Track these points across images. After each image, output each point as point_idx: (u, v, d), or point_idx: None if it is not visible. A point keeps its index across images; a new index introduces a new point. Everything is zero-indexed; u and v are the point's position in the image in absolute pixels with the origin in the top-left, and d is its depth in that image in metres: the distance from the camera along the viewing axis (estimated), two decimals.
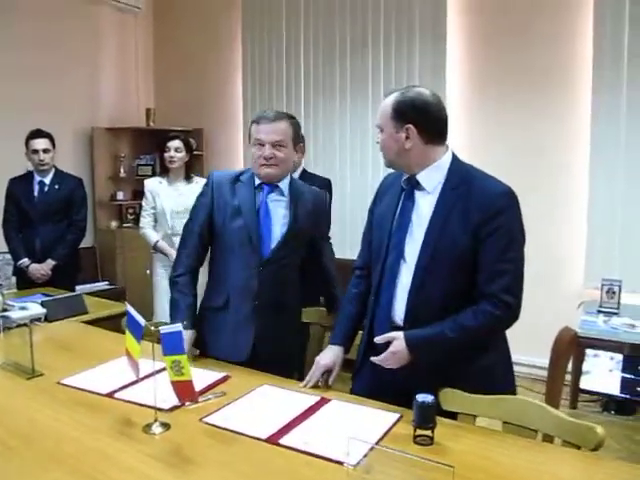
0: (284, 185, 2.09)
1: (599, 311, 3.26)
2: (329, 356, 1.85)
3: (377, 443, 1.36)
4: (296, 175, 3.30)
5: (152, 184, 3.66)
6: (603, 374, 3.38)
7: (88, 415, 1.60)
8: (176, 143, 3.55)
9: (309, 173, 3.46)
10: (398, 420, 1.54)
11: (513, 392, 1.71)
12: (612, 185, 3.72)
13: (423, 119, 1.67)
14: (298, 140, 2.09)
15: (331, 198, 3.44)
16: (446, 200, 1.67)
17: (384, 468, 1.12)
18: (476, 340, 1.66)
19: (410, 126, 1.67)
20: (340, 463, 1.29)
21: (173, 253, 3.27)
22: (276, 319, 2.07)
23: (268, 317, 2.06)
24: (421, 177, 1.72)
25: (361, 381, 1.86)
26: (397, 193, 1.80)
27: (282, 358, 2.04)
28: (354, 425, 1.50)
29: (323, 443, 1.40)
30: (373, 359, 1.69)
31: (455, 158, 1.74)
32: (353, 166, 4.79)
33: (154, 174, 3.70)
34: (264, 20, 5.18)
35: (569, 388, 3.50)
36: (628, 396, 3.32)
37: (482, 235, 1.60)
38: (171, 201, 3.57)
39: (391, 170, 1.89)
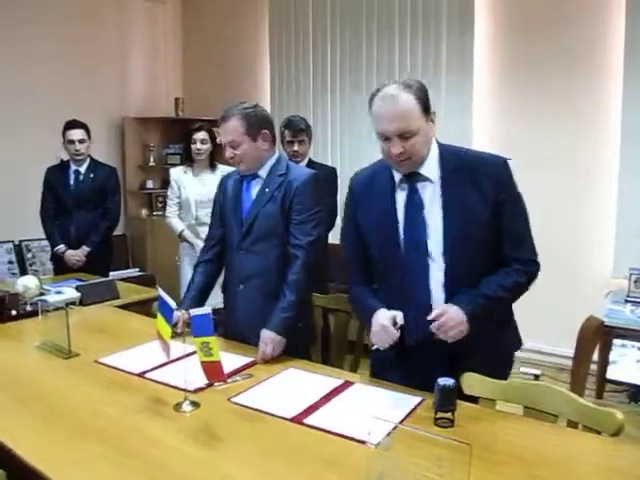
0: (262, 171, 2.14)
1: (626, 300, 3.23)
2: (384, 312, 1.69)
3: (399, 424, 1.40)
4: (303, 164, 3.34)
5: (177, 174, 3.68)
6: (630, 364, 3.34)
7: (121, 393, 1.68)
8: (202, 135, 3.56)
9: (315, 162, 3.52)
10: (420, 403, 1.58)
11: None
12: None
13: (430, 104, 1.67)
14: (254, 130, 2.05)
15: (337, 186, 3.49)
16: (452, 183, 1.66)
17: (404, 447, 1.15)
18: (514, 298, 1.72)
19: (435, 112, 1.68)
20: (362, 442, 1.34)
21: (198, 242, 3.41)
22: (262, 307, 2.05)
23: (253, 303, 2.11)
24: (423, 169, 1.68)
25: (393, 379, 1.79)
26: (387, 192, 1.73)
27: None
28: (377, 407, 1.55)
29: (346, 423, 1.45)
30: (433, 325, 1.56)
31: (439, 142, 1.73)
32: (379, 158, 4.78)
33: (183, 163, 3.72)
34: (291, 10, 5.19)
35: (595, 378, 3.49)
36: None
37: (499, 204, 1.65)
38: (195, 191, 3.59)
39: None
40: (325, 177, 3.32)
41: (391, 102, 1.60)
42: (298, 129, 3.36)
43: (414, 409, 1.55)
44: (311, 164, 3.44)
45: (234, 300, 2.19)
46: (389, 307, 1.68)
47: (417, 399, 1.60)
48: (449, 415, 1.44)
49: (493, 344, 1.70)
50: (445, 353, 1.65)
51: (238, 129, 2.05)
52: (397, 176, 1.73)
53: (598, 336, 3.00)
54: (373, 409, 1.51)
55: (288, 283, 2.03)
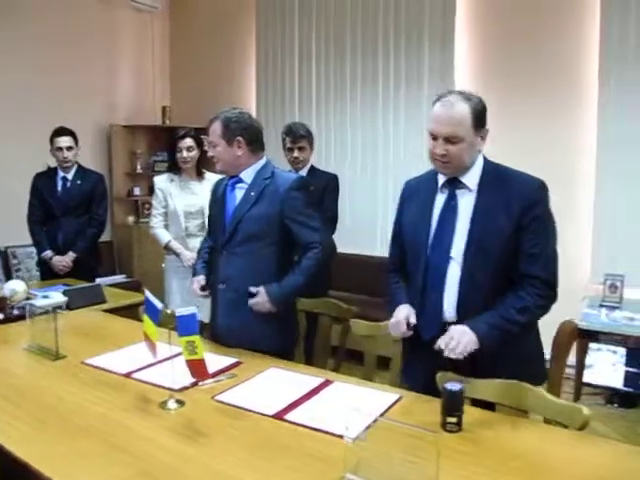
0: (246, 176, 2.21)
1: (601, 305, 3.33)
2: (404, 309, 1.84)
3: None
4: (304, 171, 3.40)
5: (163, 182, 3.47)
6: (606, 368, 3.45)
7: (109, 392, 1.73)
8: (188, 142, 3.39)
9: (317, 169, 3.52)
10: (397, 400, 1.65)
11: (545, 375, 1.91)
12: (618, 182, 3.77)
13: (486, 119, 1.80)
14: (229, 135, 2.15)
15: (337, 194, 3.48)
16: (486, 195, 1.78)
17: (379, 440, 1.22)
18: (530, 320, 1.75)
19: (487, 128, 1.80)
20: (340, 436, 1.40)
21: (186, 253, 3.32)
22: (243, 308, 2.13)
23: (231, 303, 2.18)
24: (465, 178, 1.81)
25: (410, 379, 1.91)
26: (429, 195, 1.88)
27: (250, 347, 2.11)
28: (355, 403, 1.60)
29: (325, 419, 1.52)
30: (436, 346, 1.66)
31: (484, 157, 1.86)
32: (363, 165, 4.88)
33: (169, 170, 3.57)
34: (277, 21, 5.29)
35: (573, 381, 3.58)
36: (631, 389, 3.38)
37: (523, 224, 1.73)
38: (184, 202, 3.41)
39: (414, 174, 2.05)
40: (326, 184, 3.38)
41: (448, 107, 1.75)
42: (298, 135, 3.35)
43: (391, 405, 1.61)
44: (313, 171, 3.45)
45: (216, 300, 2.25)
46: (412, 304, 1.84)
47: (395, 396, 1.67)
48: (455, 420, 1.47)
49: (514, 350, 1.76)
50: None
51: (217, 131, 2.17)
52: (440, 182, 1.86)
53: (573, 339, 3.09)
54: (351, 405, 1.56)
55: (300, 266, 2.15)
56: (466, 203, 1.81)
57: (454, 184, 1.83)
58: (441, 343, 1.65)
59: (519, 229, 1.73)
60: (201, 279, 2.29)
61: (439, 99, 1.79)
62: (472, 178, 1.82)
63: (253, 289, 2.12)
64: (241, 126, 2.16)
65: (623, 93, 3.70)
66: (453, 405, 1.48)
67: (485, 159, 1.86)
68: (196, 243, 3.14)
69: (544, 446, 1.42)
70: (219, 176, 3.26)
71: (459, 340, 1.64)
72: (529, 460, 1.34)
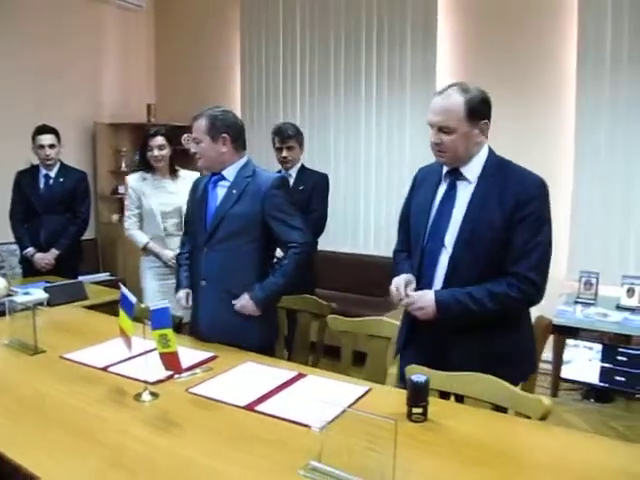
0: (228, 173, 2.25)
1: (576, 302, 3.40)
2: (404, 275, 1.93)
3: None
4: (294, 171, 3.43)
5: (136, 181, 3.36)
6: (583, 363, 3.52)
7: (85, 386, 1.76)
8: (159, 140, 3.28)
9: (307, 169, 3.55)
10: (366, 393, 1.70)
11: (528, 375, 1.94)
12: (595, 182, 3.86)
13: (489, 113, 1.86)
14: (215, 132, 2.19)
15: (327, 193, 3.49)
16: (483, 187, 1.82)
17: (344, 429, 1.26)
18: (500, 310, 1.78)
19: (487, 121, 1.84)
20: (308, 426, 1.44)
21: (166, 252, 3.27)
22: (224, 304, 2.19)
23: (212, 300, 2.22)
24: (465, 169, 1.86)
25: (406, 361, 1.92)
26: (433, 184, 1.94)
27: (231, 343, 2.15)
28: (325, 395, 1.65)
29: (295, 410, 1.56)
30: (404, 302, 1.84)
31: (491, 150, 1.90)
32: (347, 161, 4.93)
33: (141, 169, 3.41)
34: (261, 19, 5.33)
35: (550, 377, 3.65)
36: (607, 385, 3.45)
37: (515, 219, 1.76)
38: (159, 201, 3.31)
39: (421, 163, 2.09)
40: (315, 183, 3.41)
41: (443, 98, 1.81)
42: (286, 135, 3.38)
43: (360, 397, 1.66)
44: (303, 170, 3.48)
45: (196, 296, 2.29)
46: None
47: (364, 389, 1.72)
48: (421, 410, 1.52)
49: (492, 343, 1.82)
50: (444, 332, 1.83)
51: (202, 128, 2.19)
52: (444, 171, 1.91)
53: (547, 335, 3.15)
54: (319, 396, 1.61)
55: (280, 268, 2.19)
56: (464, 194, 1.86)
57: (455, 175, 1.89)
58: (406, 300, 1.83)
59: (511, 224, 1.76)
60: (188, 292, 2.33)
61: (440, 91, 1.84)
62: (473, 170, 1.86)
63: (237, 303, 2.16)
64: (226, 123, 2.21)
65: (599, 94, 3.78)
66: (418, 396, 1.52)
67: (490, 152, 1.89)
68: (176, 242, 3.16)
69: (505, 435, 1.47)
70: (194, 174, 3.29)
71: (418, 300, 1.81)
72: (488, 448, 1.39)
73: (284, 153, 3.40)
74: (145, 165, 3.36)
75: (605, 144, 3.80)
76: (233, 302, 2.17)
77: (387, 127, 4.68)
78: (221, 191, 2.26)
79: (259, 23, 5.36)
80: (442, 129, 1.81)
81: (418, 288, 1.88)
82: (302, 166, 3.51)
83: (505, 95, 4.12)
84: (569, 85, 3.92)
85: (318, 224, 3.41)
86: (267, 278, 2.20)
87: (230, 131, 2.21)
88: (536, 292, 1.79)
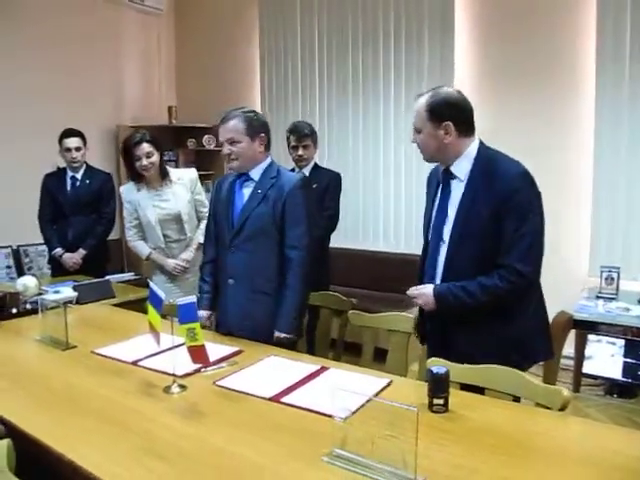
0: (254, 174, 2.30)
1: (598, 297, 3.39)
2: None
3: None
4: (308, 169, 3.48)
5: (129, 193, 3.22)
6: (605, 359, 3.51)
7: (116, 379, 1.83)
8: (145, 148, 3.05)
9: (320, 167, 3.60)
10: (388, 385, 1.73)
11: (537, 355, 2.06)
12: (614, 178, 3.83)
13: (457, 115, 1.93)
14: (253, 131, 2.24)
15: (340, 191, 3.55)
16: (472, 184, 1.92)
17: (366, 418, 1.30)
18: (493, 300, 1.88)
19: (449, 123, 1.91)
20: (331, 416, 1.48)
21: (169, 262, 3.18)
22: (252, 303, 2.26)
23: (241, 298, 2.27)
24: (454, 168, 1.97)
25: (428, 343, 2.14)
26: (436, 184, 2.07)
27: (256, 338, 2.21)
28: (346, 387, 1.69)
29: (318, 401, 1.60)
30: (408, 292, 2.02)
31: (482, 145, 1.98)
32: (365, 159, 4.97)
33: (133, 179, 3.24)
34: (279, 20, 5.39)
35: (572, 372, 3.65)
36: (630, 380, 3.44)
37: (502, 212, 1.85)
38: (157, 211, 3.16)
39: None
40: (328, 182, 3.47)
41: (417, 101, 1.99)
42: (303, 134, 3.43)
43: (382, 389, 1.70)
44: (316, 168, 3.53)
45: (223, 295, 2.34)
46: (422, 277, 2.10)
47: (385, 381, 1.75)
48: (442, 401, 1.55)
49: (493, 330, 1.92)
50: (447, 322, 1.99)
51: (239, 128, 2.22)
52: (441, 171, 2.05)
53: (568, 330, 3.16)
54: (342, 387, 1.65)
55: (287, 285, 2.23)
56: (457, 192, 1.96)
57: (449, 174, 2.00)
58: (409, 292, 2.01)
59: (498, 217, 1.85)
60: (210, 314, 2.39)
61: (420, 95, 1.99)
62: (462, 168, 1.96)
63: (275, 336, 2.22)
64: (261, 123, 2.28)
65: (620, 87, 3.75)
66: (439, 387, 1.56)
67: (480, 149, 1.96)
68: (178, 249, 3.21)
69: (526, 425, 1.50)
70: (185, 170, 3.27)
71: (418, 293, 1.98)
72: (509, 437, 1.42)
73: (300, 151, 3.45)
74: (134, 175, 3.17)
75: (627, 136, 3.77)
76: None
77: (405, 123, 4.69)
78: (247, 191, 2.31)
79: (277, 23, 5.41)
80: (415, 129, 1.98)
81: (424, 282, 2.04)
82: (315, 164, 3.57)
83: (523, 91, 4.13)
84: (588, 80, 3.89)
85: (331, 222, 3.47)
86: (281, 302, 2.23)
87: (265, 131, 2.29)
88: (525, 281, 1.88)
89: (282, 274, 2.25)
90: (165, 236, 3.20)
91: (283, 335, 2.21)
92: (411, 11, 4.57)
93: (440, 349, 1.93)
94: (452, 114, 1.92)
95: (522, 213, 1.85)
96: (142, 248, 3.25)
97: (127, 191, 3.25)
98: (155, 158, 3.10)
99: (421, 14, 4.52)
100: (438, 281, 2.00)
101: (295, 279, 2.22)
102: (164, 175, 3.19)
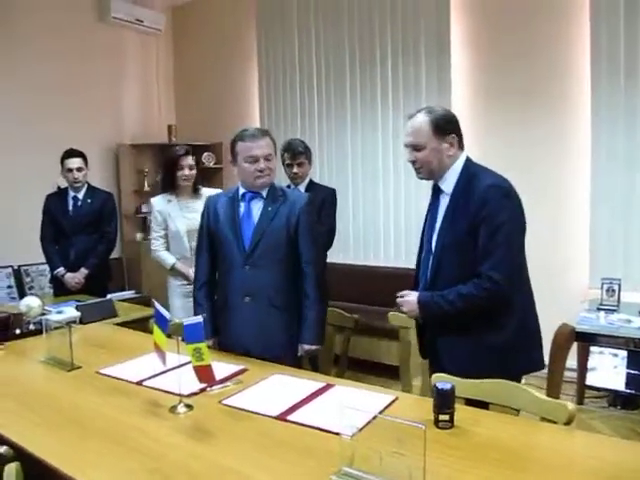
0: (264, 191, 2.34)
1: (599, 308, 3.40)
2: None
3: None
4: (303, 186, 3.51)
5: (161, 204, 3.39)
6: (608, 370, 3.52)
7: (122, 399, 1.83)
8: (190, 160, 3.35)
9: (316, 184, 3.64)
10: (394, 401, 1.74)
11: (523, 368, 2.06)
12: (612, 190, 3.86)
13: (456, 128, 2.04)
14: (276, 150, 2.38)
15: (335, 207, 3.58)
16: (456, 197, 2.01)
17: (374, 435, 1.31)
18: (471, 308, 1.95)
19: (454, 135, 2.01)
20: (338, 434, 1.49)
21: (191, 272, 3.14)
22: (269, 318, 2.28)
23: (260, 315, 2.28)
24: (441, 182, 2.07)
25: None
26: (430, 199, 2.18)
27: (274, 356, 2.22)
28: (352, 403, 1.69)
29: (325, 419, 1.61)
30: (398, 300, 2.11)
31: (468, 161, 2.06)
32: (364, 174, 5.00)
33: (165, 191, 3.44)
34: (278, 39, 5.46)
35: (576, 384, 3.65)
36: (633, 391, 3.45)
37: (476, 224, 1.93)
38: (185, 221, 3.33)
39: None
40: (324, 198, 3.49)
41: (411, 121, 2.05)
42: (297, 152, 3.48)
43: (388, 405, 1.70)
44: (312, 185, 3.57)
45: (238, 313, 2.31)
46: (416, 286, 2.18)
47: (391, 397, 1.76)
48: (447, 417, 1.56)
49: (478, 339, 1.98)
50: (434, 332, 2.09)
51: (272, 146, 2.32)
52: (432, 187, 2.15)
53: (570, 342, 3.16)
54: (348, 404, 1.66)
55: (309, 298, 2.29)
56: (443, 206, 2.05)
57: (437, 189, 2.09)
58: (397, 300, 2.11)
59: (474, 228, 1.93)
60: (211, 342, 2.34)
61: (410, 116, 2.06)
62: (448, 183, 2.05)
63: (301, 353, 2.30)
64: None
65: (615, 101, 3.80)
66: (445, 403, 1.56)
67: (467, 163, 2.05)
68: None
69: (531, 440, 1.51)
70: (215, 191, 3.39)
71: (404, 300, 2.07)
72: (516, 452, 1.43)
73: (295, 169, 3.49)
74: (170, 186, 3.38)
75: (622, 151, 3.81)
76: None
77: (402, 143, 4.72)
78: (256, 208, 2.33)
79: (276, 43, 5.48)
80: (415, 147, 2.03)
81: (418, 290, 2.12)
82: (311, 181, 3.61)
83: (520, 107, 4.18)
84: (584, 95, 3.94)
85: (328, 237, 3.49)
86: (306, 315, 2.29)
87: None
88: (499, 289, 1.92)
89: (297, 289, 2.29)
90: (191, 247, 3.28)
91: (314, 347, 2.28)
92: (408, 32, 4.63)
93: (435, 361, 2.05)
94: (454, 128, 2.04)
95: (494, 223, 1.91)
96: (167, 257, 3.39)
97: (158, 202, 3.42)
98: (194, 172, 3.38)
99: (417, 34, 4.58)
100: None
101: (315, 292, 2.29)
102: (196, 190, 3.42)
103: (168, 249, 3.41)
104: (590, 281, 3.95)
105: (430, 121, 1.99)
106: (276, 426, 1.61)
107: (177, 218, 3.35)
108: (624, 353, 3.46)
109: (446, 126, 2.01)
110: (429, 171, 2.06)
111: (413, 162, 2.06)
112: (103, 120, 5.69)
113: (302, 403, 1.74)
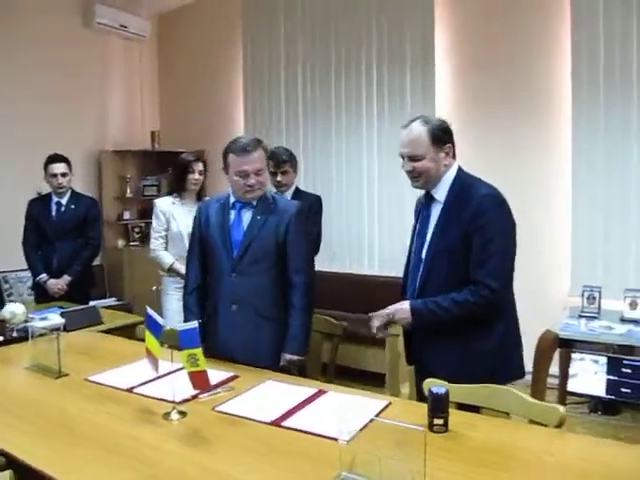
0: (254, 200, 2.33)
1: (580, 316, 3.46)
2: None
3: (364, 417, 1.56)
4: (289, 194, 3.51)
5: (165, 205, 3.50)
6: (589, 377, 3.56)
7: (112, 406, 1.81)
8: (200, 166, 3.47)
9: (302, 191, 3.64)
10: (387, 406, 1.75)
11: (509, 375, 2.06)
12: (593, 199, 3.94)
13: (451, 138, 2.06)
14: (266, 161, 2.38)
15: (321, 214, 3.59)
16: (448, 206, 2.04)
17: (371, 439, 1.32)
18: (465, 315, 1.96)
19: (450, 145, 2.05)
20: (335, 439, 1.49)
21: None
22: (256, 328, 2.28)
23: (247, 322, 2.28)
24: (435, 191, 2.08)
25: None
26: (419, 208, 2.20)
27: (260, 364, 2.20)
28: (348, 409, 1.71)
29: (319, 424, 1.61)
30: (384, 313, 2.10)
31: (460, 170, 2.10)
32: (349, 182, 5.03)
33: (170, 194, 3.58)
34: (264, 46, 5.47)
35: (557, 390, 3.69)
36: (613, 397, 3.49)
37: (470, 232, 1.96)
38: (187, 223, 3.29)
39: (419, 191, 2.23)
40: (310, 205, 3.46)
41: (407, 131, 2.06)
42: (280, 160, 3.46)
43: (382, 410, 1.71)
44: (297, 193, 3.56)
45: (225, 321, 2.30)
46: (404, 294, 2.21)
47: (384, 402, 1.77)
48: (442, 421, 1.57)
49: (467, 346, 2.00)
50: (422, 340, 2.10)
51: (263, 159, 2.30)
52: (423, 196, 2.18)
53: (554, 348, 3.21)
54: (344, 409, 1.67)
55: (295, 307, 2.28)
56: (435, 214, 2.07)
57: (429, 197, 2.11)
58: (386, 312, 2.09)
59: (467, 236, 1.96)
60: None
61: (405, 125, 2.07)
62: (441, 192, 2.07)
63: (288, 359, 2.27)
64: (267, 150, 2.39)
65: (595, 113, 3.88)
66: (439, 407, 1.58)
67: (459, 173, 2.08)
68: None
69: (523, 442, 1.53)
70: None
71: (396, 309, 2.06)
72: (510, 455, 1.45)
73: (279, 177, 3.47)
74: (179, 188, 3.49)
75: (602, 160, 3.89)
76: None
77: (387, 148, 4.77)
78: (246, 216, 2.33)
79: (261, 50, 5.49)
80: (412, 158, 2.04)
81: (406, 298, 2.13)
82: (297, 189, 3.60)
83: (503, 116, 4.25)
84: (565, 104, 4.02)
85: (315, 245, 3.48)
86: (291, 324, 2.28)
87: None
88: (494, 296, 1.95)
89: (284, 298, 2.28)
90: None
91: (296, 357, 2.26)
92: (393, 41, 4.68)
93: (421, 368, 2.07)
94: (449, 137, 2.07)
95: (490, 232, 1.94)
96: (166, 257, 3.47)
97: (162, 203, 3.53)
98: (203, 178, 3.51)
99: (403, 44, 4.63)
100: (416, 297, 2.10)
101: (302, 302, 2.28)
102: (200, 197, 3.51)
103: (166, 250, 3.49)
104: (571, 288, 4.02)
105: (428, 131, 2.01)
106: (271, 432, 1.60)
107: (180, 219, 3.44)
108: (604, 359, 3.52)
109: (443, 136, 2.04)
110: (426, 180, 2.07)
111: (409, 171, 2.07)
112: (86, 126, 5.62)
113: (296, 409, 1.74)
